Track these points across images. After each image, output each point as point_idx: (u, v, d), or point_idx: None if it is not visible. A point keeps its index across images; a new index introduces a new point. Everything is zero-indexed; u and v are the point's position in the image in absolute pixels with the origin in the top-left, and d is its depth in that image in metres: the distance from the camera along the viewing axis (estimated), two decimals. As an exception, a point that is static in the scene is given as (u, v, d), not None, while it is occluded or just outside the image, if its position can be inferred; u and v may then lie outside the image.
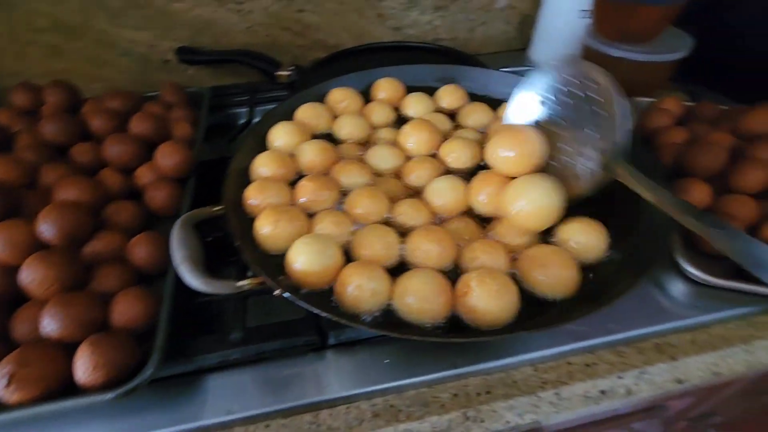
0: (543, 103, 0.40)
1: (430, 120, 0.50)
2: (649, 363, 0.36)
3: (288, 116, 0.51)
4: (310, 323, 0.37)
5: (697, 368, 0.37)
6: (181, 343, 0.35)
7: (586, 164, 0.37)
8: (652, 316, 0.39)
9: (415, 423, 0.33)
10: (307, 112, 0.51)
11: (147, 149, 0.48)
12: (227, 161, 0.44)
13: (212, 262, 0.35)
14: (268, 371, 0.36)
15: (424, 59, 0.69)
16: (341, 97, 0.54)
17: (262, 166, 0.44)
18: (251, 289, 0.31)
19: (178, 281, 0.33)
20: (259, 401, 0.34)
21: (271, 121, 0.50)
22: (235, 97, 0.67)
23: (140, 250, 0.38)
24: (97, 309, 0.33)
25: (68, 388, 0.31)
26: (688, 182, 0.43)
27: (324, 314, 0.30)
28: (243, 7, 0.68)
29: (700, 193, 0.42)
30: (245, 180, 0.43)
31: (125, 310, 0.34)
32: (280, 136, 0.48)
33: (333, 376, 0.36)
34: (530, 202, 0.36)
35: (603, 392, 0.36)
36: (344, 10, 0.70)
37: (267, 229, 0.36)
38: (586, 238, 0.37)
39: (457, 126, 0.52)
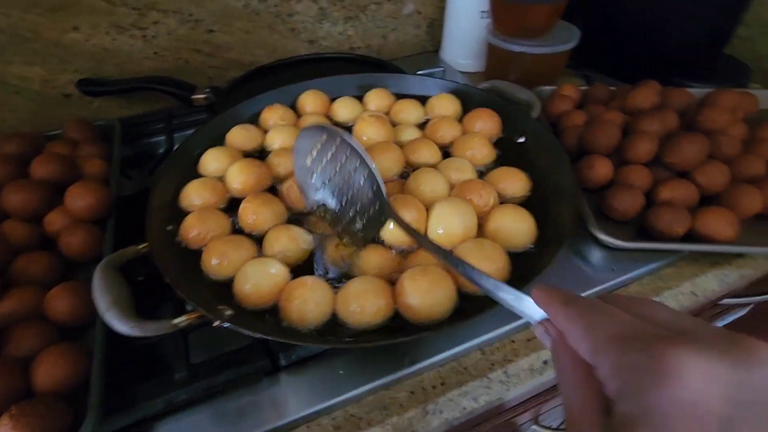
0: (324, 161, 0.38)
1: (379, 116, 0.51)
2: (581, 327, 0.40)
3: (207, 141, 0.50)
4: (259, 348, 0.36)
5: (621, 324, 0.41)
6: (122, 393, 0.33)
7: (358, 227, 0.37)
8: (579, 284, 0.43)
9: (377, 428, 0.34)
10: (239, 136, 0.51)
11: (55, 193, 0.44)
12: (146, 195, 0.41)
13: (148, 302, 0.34)
14: (221, 406, 0.35)
15: (341, 69, 0.70)
16: (270, 116, 0.53)
17: (195, 194, 0.43)
18: (190, 324, 0.30)
19: (108, 330, 0.31)
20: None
21: (190, 148, 0.48)
22: (151, 125, 0.64)
23: (60, 303, 0.35)
24: (16, 376, 0.30)
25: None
26: (593, 159, 0.47)
27: (266, 337, 0.30)
28: (146, 32, 0.65)
29: (603, 168, 0.47)
30: (170, 213, 0.42)
31: (49, 371, 0.31)
32: (210, 161, 0.47)
33: (290, 398, 0.35)
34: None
35: (545, 362, 0.39)
36: (255, 27, 0.69)
37: (216, 261, 0.36)
38: (516, 226, 0.38)
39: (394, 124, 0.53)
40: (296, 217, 0.42)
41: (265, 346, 0.36)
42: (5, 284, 0.36)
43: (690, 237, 0.42)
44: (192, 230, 0.39)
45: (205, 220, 0.39)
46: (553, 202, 0.41)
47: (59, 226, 0.42)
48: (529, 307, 0.21)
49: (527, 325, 0.40)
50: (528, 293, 0.22)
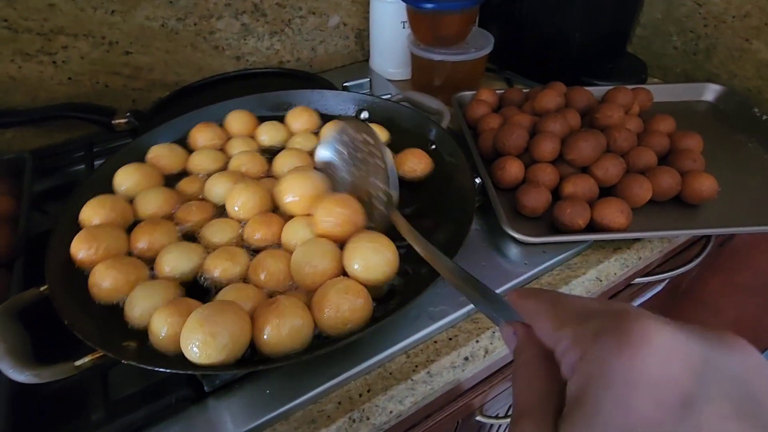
0: (340, 154, 0.45)
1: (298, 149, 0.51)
2: (498, 322, 0.42)
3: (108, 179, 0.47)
4: (181, 377, 0.36)
5: (535, 315, 0.44)
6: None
7: (380, 206, 0.40)
8: (497, 279, 0.45)
9: (304, 442, 0.35)
10: (161, 155, 0.50)
11: (-45, 237, 0.42)
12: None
13: (60, 343, 0.32)
14: (147, 440, 0.34)
15: (270, 84, 0.71)
16: (201, 136, 0.54)
17: (91, 212, 0.41)
18: (94, 365, 0.30)
19: (12, 382, 0.30)
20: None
21: (104, 174, 0.47)
22: (70, 154, 0.62)
23: (-40, 355, 0.34)
24: None
25: None
26: (504, 160, 0.50)
27: (172, 371, 0.30)
28: (56, 57, 0.62)
29: (514, 168, 0.50)
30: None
31: (-52, 428, 0.30)
32: (122, 180, 0.46)
33: (219, 423, 0.35)
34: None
35: (466, 359, 0.41)
36: (176, 47, 0.68)
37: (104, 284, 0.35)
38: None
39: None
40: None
41: (187, 375, 0.36)
42: None
43: (591, 227, 0.46)
44: (80, 250, 0.37)
45: (97, 237, 0.38)
46: (452, 204, 0.44)
47: (-39, 272, 0.40)
48: (500, 309, 0.21)
49: (450, 324, 0.42)
50: (503, 296, 0.22)
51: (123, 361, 0.29)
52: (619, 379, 0.14)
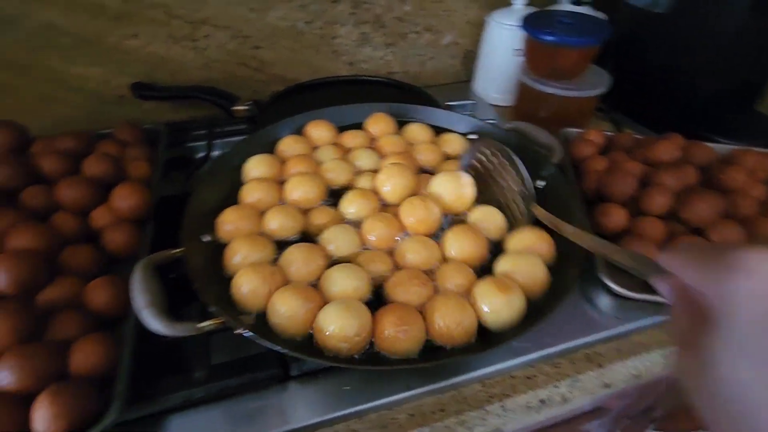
0: (477, 164, 0.50)
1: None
2: (580, 371, 0.41)
3: (250, 152, 0.52)
4: (272, 357, 0.39)
5: (621, 373, 0.42)
6: (144, 384, 0.36)
7: (519, 206, 0.46)
8: (583, 329, 0.44)
9: (375, 445, 0.36)
10: (288, 146, 0.54)
11: (102, 191, 0.48)
12: (186, 197, 0.44)
13: (176, 300, 0.36)
14: (232, 407, 0.37)
15: (377, 92, 0.74)
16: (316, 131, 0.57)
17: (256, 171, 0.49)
18: (213, 329, 0.33)
19: (139, 325, 0.34)
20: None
21: (231, 158, 0.51)
22: (193, 131, 0.68)
23: (99, 295, 0.39)
24: (55, 358, 0.34)
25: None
26: (609, 206, 0.49)
27: (285, 351, 0.32)
28: (198, 44, 0.69)
29: (617, 216, 0.48)
30: (205, 219, 0.44)
31: (85, 357, 0.34)
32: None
33: (296, 406, 0.38)
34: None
35: (542, 401, 0.40)
36: (299, 47, 0.74)
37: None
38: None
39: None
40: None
41: (278, 354, 0.39)
42: (51, 273, 0.40)
43: (699, 295, 0.43)
44: (226, 224, 0.42)
45: (241, 219, 0.43)
46: (562, 254, 0.42)
47: (103, 223, 0.46)
48: (650, 267, 0.26)
49: (529, 363, 0.41)
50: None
51: (241, 332, 0.32)
52: (731, 300, 0.18)
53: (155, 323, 0.32)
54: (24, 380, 0.32)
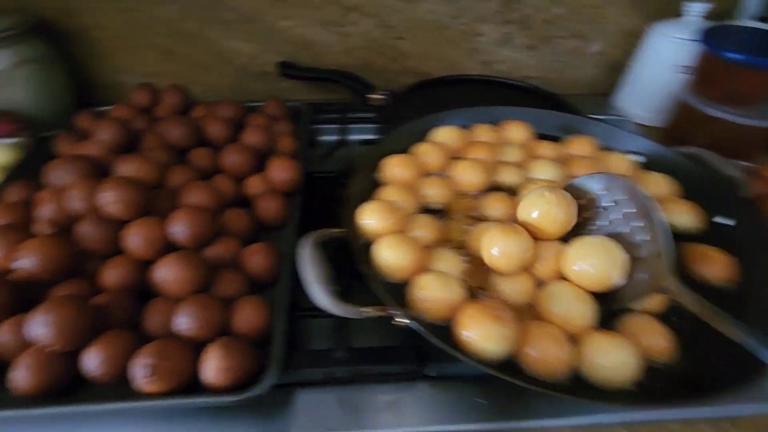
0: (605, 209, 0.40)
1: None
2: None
3: (406, 142, 0.52)
4: (411, 353, 0.38)
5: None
6: (292, 355, 0.37)
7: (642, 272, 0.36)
8: (756, 396, 0.38)
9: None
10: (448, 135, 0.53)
11: (258, 160, 0.51)
12: (316, 176, 0.44)
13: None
14: (360, 393, 0.37)
15: (511, 96, 0.71)
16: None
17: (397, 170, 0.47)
18: (374, 316, 0.33)
19: (294, 294, 0.35)
20: (341, 422, 0.35)
21: (389, 146, 0.50)
22: (327, 114, 0.70)
23: (257, 259, 0.41)
24: (225, 313, 0.36)
25: (191, 386, 0.33)
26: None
27: (451, 351, 0.31)
28: (343, 30, 0.71)
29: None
30: (363, 200, 0.43)
31: (247, 317, 0.36)
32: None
33: (421, 408, 0.36)
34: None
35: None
36: (439, 41, 0.73)
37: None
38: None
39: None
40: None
41: (418, 352, 0.38)
42: (217, 232, 0.43)
43: None
44: (371, 219, 0.40)
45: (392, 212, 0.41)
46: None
47: (257, 191, 0.48)
48: None
49: (686, 420, 0.37)
50: None
51: (405, 323, 0.32)
52: None
53: (323, 299, 0.32)
54: (200, 328, 0.34)
